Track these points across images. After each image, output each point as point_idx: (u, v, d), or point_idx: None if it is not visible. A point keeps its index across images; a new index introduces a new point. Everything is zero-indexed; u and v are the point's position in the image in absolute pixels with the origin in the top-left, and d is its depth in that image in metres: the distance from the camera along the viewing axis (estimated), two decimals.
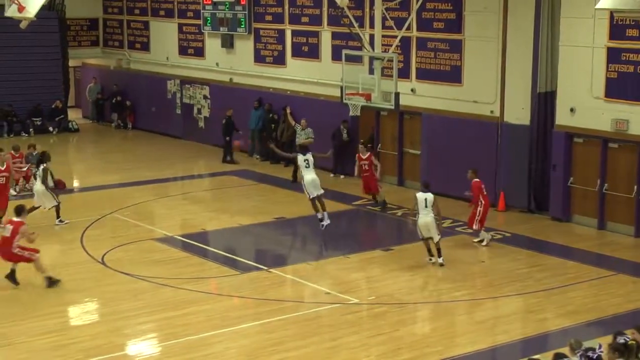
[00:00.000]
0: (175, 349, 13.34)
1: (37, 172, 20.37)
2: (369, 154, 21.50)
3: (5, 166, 19.80)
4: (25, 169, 23.55)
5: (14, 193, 23.06)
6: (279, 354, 13.10)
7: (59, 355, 13.03)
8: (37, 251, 15.97)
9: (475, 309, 15.12)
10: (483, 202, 18.65)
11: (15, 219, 16.14)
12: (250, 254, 18.46)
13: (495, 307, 15.37)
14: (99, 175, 25.61)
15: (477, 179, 18.83)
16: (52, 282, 15.95)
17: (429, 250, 17.45)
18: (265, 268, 17.23)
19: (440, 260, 17.21)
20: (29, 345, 13.47)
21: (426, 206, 17.15)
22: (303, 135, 24.73)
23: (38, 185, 19.98)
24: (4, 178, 19.55)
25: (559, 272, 17.06)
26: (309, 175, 19.05)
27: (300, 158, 19.36)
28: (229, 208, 21.98)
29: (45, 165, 20.24)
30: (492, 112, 21.76)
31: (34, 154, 23.91)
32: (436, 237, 17.25)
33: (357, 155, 21.68)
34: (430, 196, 17.29)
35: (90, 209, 21.65)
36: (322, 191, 19.15)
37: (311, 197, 19.03)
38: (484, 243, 18.67)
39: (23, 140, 28.48)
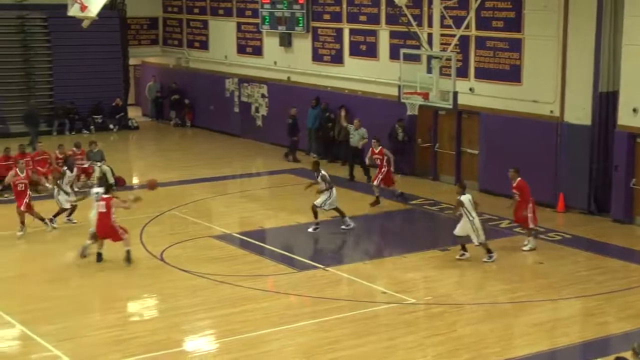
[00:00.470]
0: (233, 346, 13.47)
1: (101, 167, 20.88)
2: (380, 147, 21.70)
3: (24, 174, 20.02)
4: (86, 165, 23.97)
5: (75, 189, 23.53)
6: (335, 353, 13.14)
7: (119, 350, 13.25)
8: (127, 231, 17.66)
9: (534, 310, 14.96)
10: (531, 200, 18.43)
11: (104, 195, 17.52)
12: (308, 253, 18.52)
13: (554, 309, 15.21)
14: (158, 173, 25.85)
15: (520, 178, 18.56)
16: (129, 259, 17.29)
17: (488, 250, 17.52)
18: (322, 267, 17.29)
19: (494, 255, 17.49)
20: (91, 339, 13.73)
21: (472, 206, 17.38)
22: (357, 136, 24.65)
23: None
24: (23, 185, 19.75)
25: (621, 275, 16.81)
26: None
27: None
28: (287, 206, 22.08)
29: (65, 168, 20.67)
30: (551, 111, 21.52)
31: (95, 151, 24.33)
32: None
33: (370, 149, 22.21)
34: (470, 197, 17.55)
35: (149, 206, 21.82)
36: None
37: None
38: (527, 248, 18.27)
39: (84, 138, 28.95)
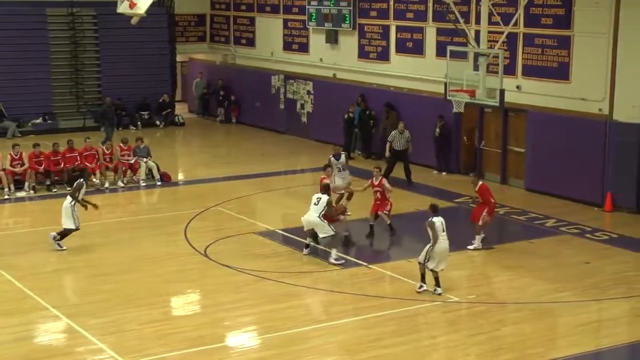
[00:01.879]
0: (275, 342, 13.54)
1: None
2: (381, 178, 19.09)
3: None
4: (132, 161, 24.26)
5: (122, 185, 23.90)
6: (377, 350, 13.16)
7: (164, 344, 13.41)
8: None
9: (579, 310, 14.82)
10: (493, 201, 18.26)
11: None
12: (351, 250, 18.55)
13: (599, 309, 15.06)
14: (204, 169, 26.16)
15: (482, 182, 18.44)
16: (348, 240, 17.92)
17: (423, 277, 15.53)
18: (365, 264, 17.31)
19: (440, 289, 15.41)
20: (137, 333, 13.91)
21: (444, 230, 15.41)
22: (402, 140, 24.06)
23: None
24: None
25: None
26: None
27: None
28: None
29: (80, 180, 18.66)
30: (600, 110, 21.27)
31: (141, 147, 24.61)
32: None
33: (369, 181, 19.46)
34: (443, 220, 15.56)
35: (195, 201, 22.14)
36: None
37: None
38: (472, 247, 18.00)
39: (131, 134, 29.31)
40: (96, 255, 18.00)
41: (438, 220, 15.49)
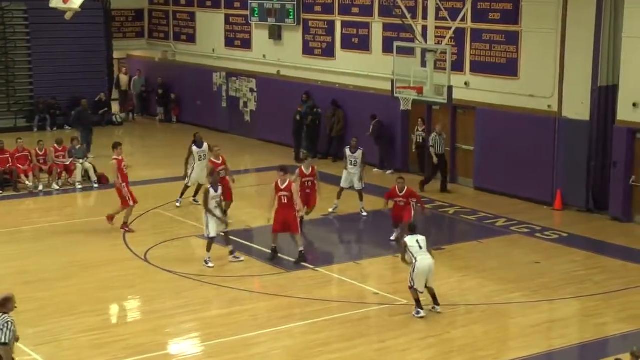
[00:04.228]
0: (218, 349, 13.47)
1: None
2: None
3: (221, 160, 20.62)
4: (68, 163, 23.93)
5: (57, 187, 23.54)
6: (324, 355, 13.15)
7: (102, 353, 13.23)
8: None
9: (530, 311, 14.99)
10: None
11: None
12: (296, 252, 18.47)
13: (551, 310, 15.25)
14: (143, 170, 25.87)
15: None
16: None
17: (418, 302, 14.66)
18: (312, 267, 17.29)
19: (438, 308, 14.86)
20: (73, 342, 13.72)
21: (421, 248, 14.62)
22: (442, 142, 23.04)
23: None
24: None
25: (619, 274, 16.86)
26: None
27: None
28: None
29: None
30: (549, 106, 21.56)
31: (77, 147, 24.28)
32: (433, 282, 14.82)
33: (298, 170, 19.19)
34: (422, 237, 14.81)
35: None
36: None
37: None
38: (393, 237, 18.49)
39: (66, 134, 28.90)
40: (30, 262, 17.70)
41: (411, 239, 14.67)
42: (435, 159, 23.09)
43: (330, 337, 13.82)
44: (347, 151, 21.20)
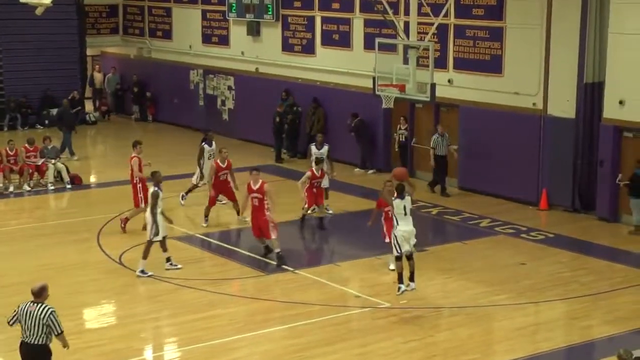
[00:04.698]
0: (197, 354, 13.41)
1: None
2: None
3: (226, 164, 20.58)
4: (39, 163, 23.76)
5: (28, 189, 23.36)
6: None
7: None
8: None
9: (515, 314, 15.01)
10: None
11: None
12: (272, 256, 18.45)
13: (536, 312, 15.27)
14: (117, 171, 25.63)
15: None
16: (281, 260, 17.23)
17: (401, 276, 15.11)
18: (292, 269, 17.23)
19: (413, 284, 15.15)
20: None
21: (406, 214, 15.06)
22: (444, 143, 22.82)
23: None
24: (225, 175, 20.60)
25: (606, 275, 16.92)
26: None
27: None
28: None
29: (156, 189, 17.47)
30: (534, 104, 21.61)
31: (49, 147, 24.12)
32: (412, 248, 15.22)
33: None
34: (408, 199, 15.22)
35: (108, 205, 21.77)
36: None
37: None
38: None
39: (38, 133, 28.72)
40: (0, 265, 17.53)
41: (399, 204, 15.02)
42: (432, 162, 22.95)
43: (310, 342, 13.78)
44: (313, 148, 21.19)
